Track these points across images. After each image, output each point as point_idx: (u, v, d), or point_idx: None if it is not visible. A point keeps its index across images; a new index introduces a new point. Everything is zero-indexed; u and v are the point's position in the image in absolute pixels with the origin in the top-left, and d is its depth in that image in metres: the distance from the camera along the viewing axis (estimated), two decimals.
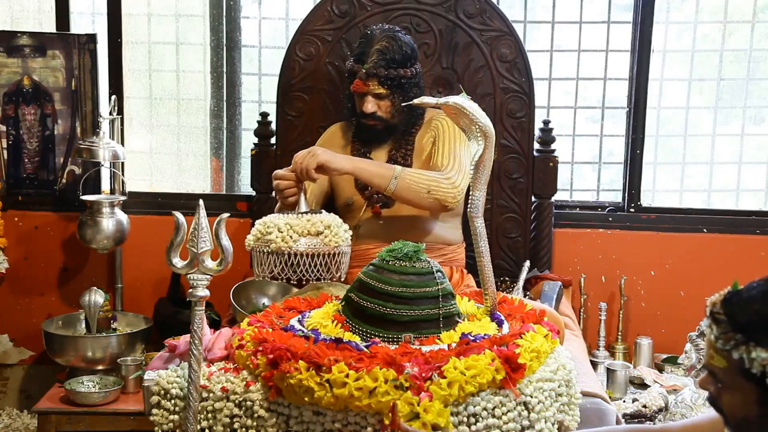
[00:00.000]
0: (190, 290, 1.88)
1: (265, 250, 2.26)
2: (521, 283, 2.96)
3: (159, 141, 3.64)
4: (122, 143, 3.36)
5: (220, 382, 1.95)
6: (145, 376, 2.03)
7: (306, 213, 2.35)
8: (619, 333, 3.38)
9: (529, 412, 1.89)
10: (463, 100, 2.13)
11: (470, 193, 2.21)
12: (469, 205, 2.19)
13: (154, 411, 1.99)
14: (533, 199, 3.24)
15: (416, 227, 2.72)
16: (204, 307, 1.91)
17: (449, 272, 2.75)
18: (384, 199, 2.72)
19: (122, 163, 3.37)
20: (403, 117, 2.78)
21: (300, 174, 2.45)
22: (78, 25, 3.55)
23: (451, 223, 2.83)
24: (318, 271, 2.27)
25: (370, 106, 2.72)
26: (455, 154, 2.69)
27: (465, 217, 2.61)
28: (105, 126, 3.27)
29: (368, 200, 2.77)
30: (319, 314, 2.16)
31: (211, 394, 1.94)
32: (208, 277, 1.89)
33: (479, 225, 2.16)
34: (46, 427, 2.87)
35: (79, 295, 3.16)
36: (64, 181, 3.49)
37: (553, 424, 1.94)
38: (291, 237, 2.24)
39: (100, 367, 3.07)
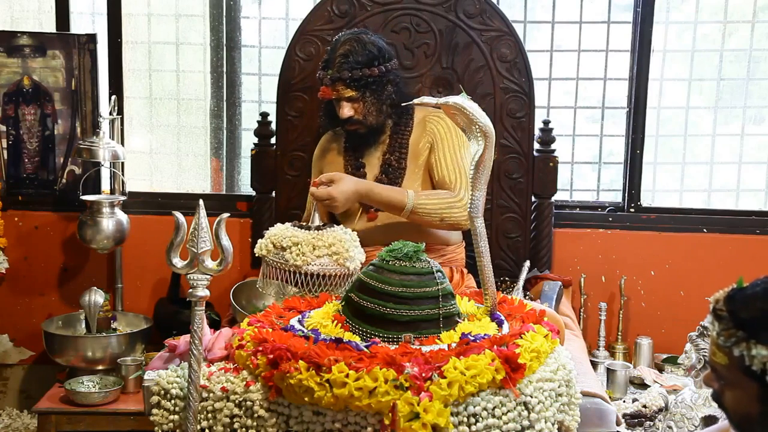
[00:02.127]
0: (190, 290, 1.88)
1: (275, 264, 2.33)
2: (521, 283, 2.96)
3: (159, 141, 3.64)
4: (122, 143, 3.35)
5: (220, 382, 1.95)
6: (145, 376, 2.03)
7: (321, 227, 2.40)
8: (619, 333, 3.37)
9: (529, 412, 1.89)
10: (463, 100, 2.13)
11: (470, 193, 2.21)
12: (469, 205, 2.19)
13: (154, 411, 1.99)
14: (533, 199, 3.24)
15: (414, 228, 2.71)
16: (204, 307, 1.91)
17: (449, 273, 2.75)
18: None
19: (122, 163, 3.36)
20: (382, 117, 2.77)
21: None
22: (78, 25, 3.55)
23: None
24: (326, 288, 2.34)
25: (345, 110, 2.73)
26: (460, 166, 2.70)
27: None
28: (105, 126, 3.27)
29: (363, 206, 2.77)
30: (319, 314, 2.16)
31: (211, 394, 1.94)
32: (208, 277, 1.89)
33: (479, 225, 2.16)
34: (46, 427, 2.87)
35: (79, 295, 3.15)
36: (64, 181, 3.49)
37: (553, 424, 1.93)
38: (305, 254, 2.30)
39: (100, 367, 3.07)
